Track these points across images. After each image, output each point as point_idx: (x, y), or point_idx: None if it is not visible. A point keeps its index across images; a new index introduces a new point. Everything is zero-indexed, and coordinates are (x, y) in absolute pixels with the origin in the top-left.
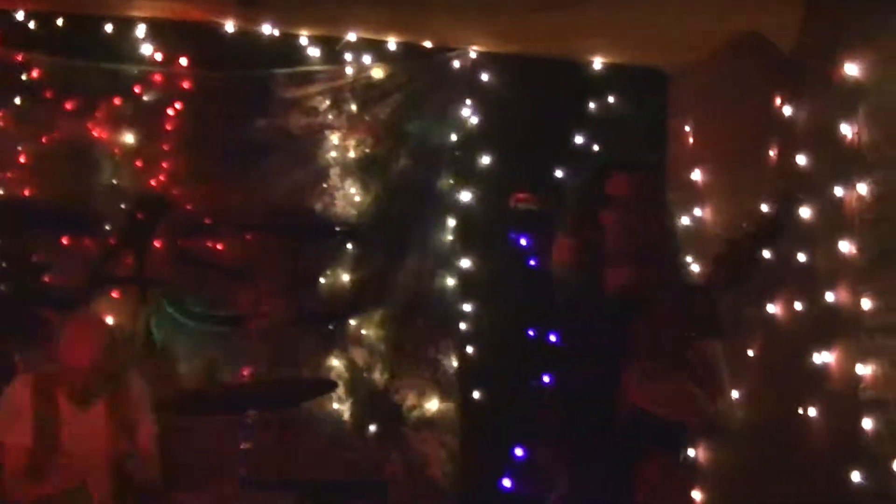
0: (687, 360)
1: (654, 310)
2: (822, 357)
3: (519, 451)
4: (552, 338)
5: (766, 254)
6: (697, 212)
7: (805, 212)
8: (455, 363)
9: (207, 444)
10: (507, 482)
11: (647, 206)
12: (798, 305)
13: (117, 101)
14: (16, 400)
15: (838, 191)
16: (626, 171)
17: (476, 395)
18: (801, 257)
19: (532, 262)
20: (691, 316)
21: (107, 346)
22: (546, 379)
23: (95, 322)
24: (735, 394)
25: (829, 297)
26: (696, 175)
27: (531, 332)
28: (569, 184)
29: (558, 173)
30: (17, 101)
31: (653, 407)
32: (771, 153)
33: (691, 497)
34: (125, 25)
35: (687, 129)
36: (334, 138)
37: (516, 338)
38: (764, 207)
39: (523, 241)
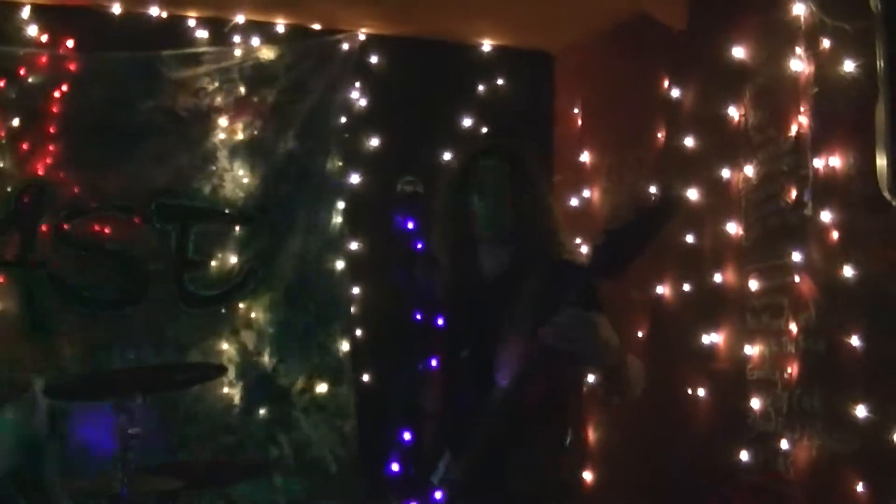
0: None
1: (529, 289)
2: (710, 338)
3: (407, 436)
4: (439, 321)
5: (646, 244)
6: (585, 193)
7: (692, 194)
8: (346, 346)
9: (93, 430)
10: (395, 466)
11: (521, 188)
12: (686, 286)
13: (0, 83)
14: None
15: (725, 172)
16: (497, 154)
17: (366, 378)
18: (689, 238)
19: (418, 246)
20: (566, 287)
21: None
22: (433, 363)
23: None
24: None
25: (717, 278)
26: (584, 156)
27: (418, 316)
28: (443, 168)
29: (446, 156)
30: None
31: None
32: (658, 135)
33: (577, 478)
34: (9, 7)
35: (575, 110)
36: (222, 120)
37: (405, 321)
38: (650, 191)
39: (410, 225)
